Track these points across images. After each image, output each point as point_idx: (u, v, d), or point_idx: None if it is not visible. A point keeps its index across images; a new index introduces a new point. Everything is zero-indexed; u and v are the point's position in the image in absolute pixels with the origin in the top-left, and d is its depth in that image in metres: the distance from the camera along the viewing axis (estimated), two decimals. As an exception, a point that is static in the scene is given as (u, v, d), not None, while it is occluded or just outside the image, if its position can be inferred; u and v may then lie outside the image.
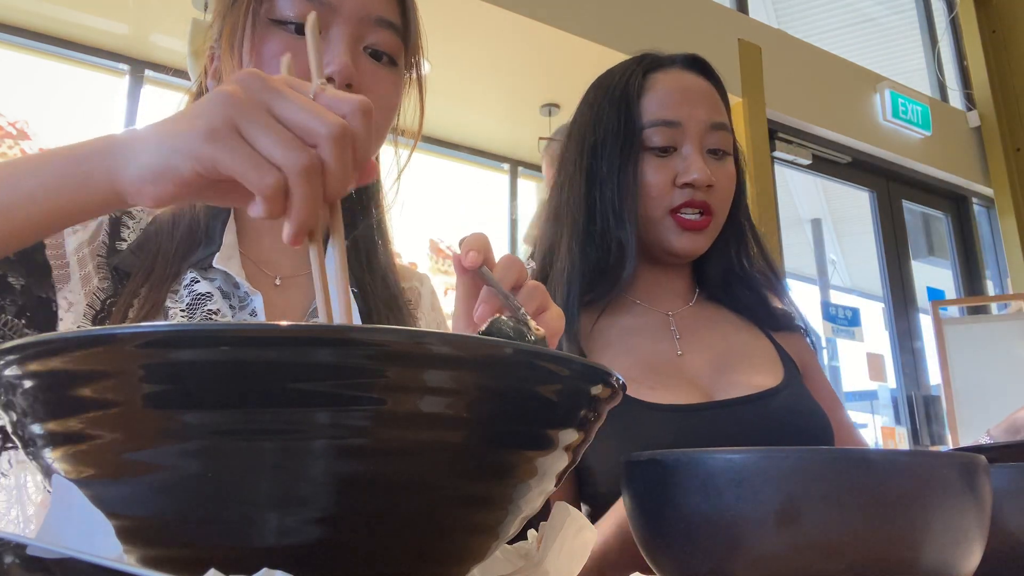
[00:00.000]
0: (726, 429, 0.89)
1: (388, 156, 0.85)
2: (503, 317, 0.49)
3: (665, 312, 1.02)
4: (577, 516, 0.41)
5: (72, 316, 0.68)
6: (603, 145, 0.98)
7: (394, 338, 0.28)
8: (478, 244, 0.54)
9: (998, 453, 0.62)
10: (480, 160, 4.18)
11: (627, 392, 0.90)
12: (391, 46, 0.76)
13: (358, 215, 0.85)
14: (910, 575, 0.33)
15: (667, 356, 0.98)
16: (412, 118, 0.85)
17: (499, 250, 0.71)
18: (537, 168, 4.18)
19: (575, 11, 3.35)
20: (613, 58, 1.07)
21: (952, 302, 4.47)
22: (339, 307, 0.46)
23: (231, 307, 0.72)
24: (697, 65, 1.03)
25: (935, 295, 4.71)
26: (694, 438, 0.86)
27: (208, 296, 0.71)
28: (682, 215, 0.96)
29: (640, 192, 0.97)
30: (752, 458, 0.34)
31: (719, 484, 0.34)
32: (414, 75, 0.82)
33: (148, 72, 3.25)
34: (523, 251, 3.94)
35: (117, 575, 0.25)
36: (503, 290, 0.52)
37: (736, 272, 1.07)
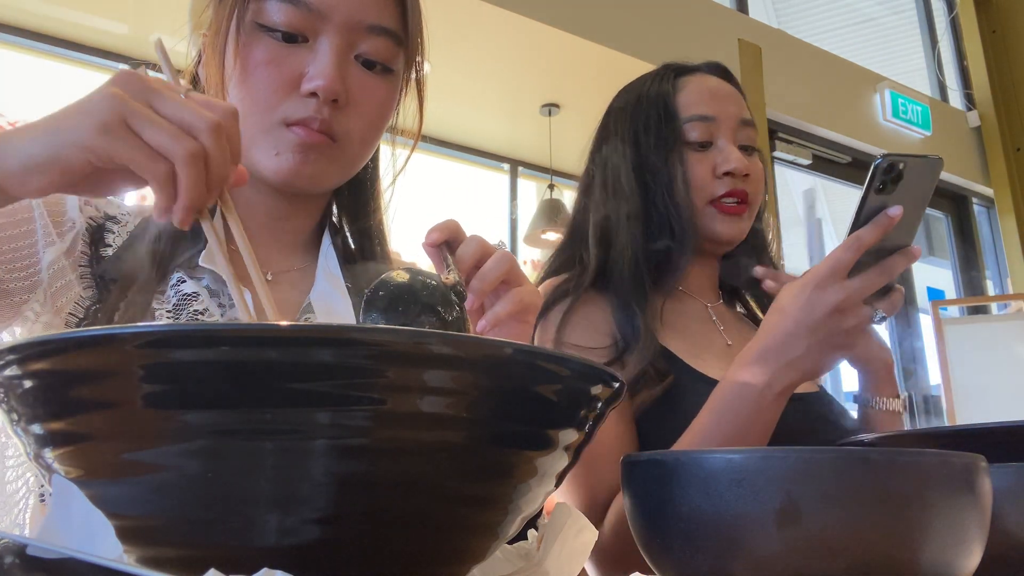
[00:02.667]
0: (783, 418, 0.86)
1: (385, 157, 0.84)
2: (401, 271, 0.53)
3: (704, 303, 1.07)
4: (578, 517, 0.40)
5: (40, 327, 0.68)
6: (647, 141, 1.02)
7: (394, 338, 0.28)
8: (442, 225, 0.59)
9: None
10: (480, 160, 4.18)
11: (686, 361, 0.94)
12: (385, 54, 0.72)
13: (356, 214, 0.84)
14: (910, 575, 0.33)
15: (718, 344, 1.02)
16: (413, 120, 0.82)
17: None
18: (537, 168, 4.18)
19: (575, 11, 3.35)
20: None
21: (952, 302, 4.47)
22: (251, 269, 0.52)
23: (220, 305, 0.71)
24: (720, 71, 1.09)
25: (935, 295, 4.70)
26: None
27: (195, 296, 0.70)
28: (722, 202, 1.01)
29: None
30: (752, 458, 0.34)
31: (719, 484, 0.34)
32: (413, 76, 0.78)
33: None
34: (523, 253, 3.94)
35: (117, 575, 0.25)
36: (450, 262, 0.57)
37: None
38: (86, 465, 0.30)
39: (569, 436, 0.34)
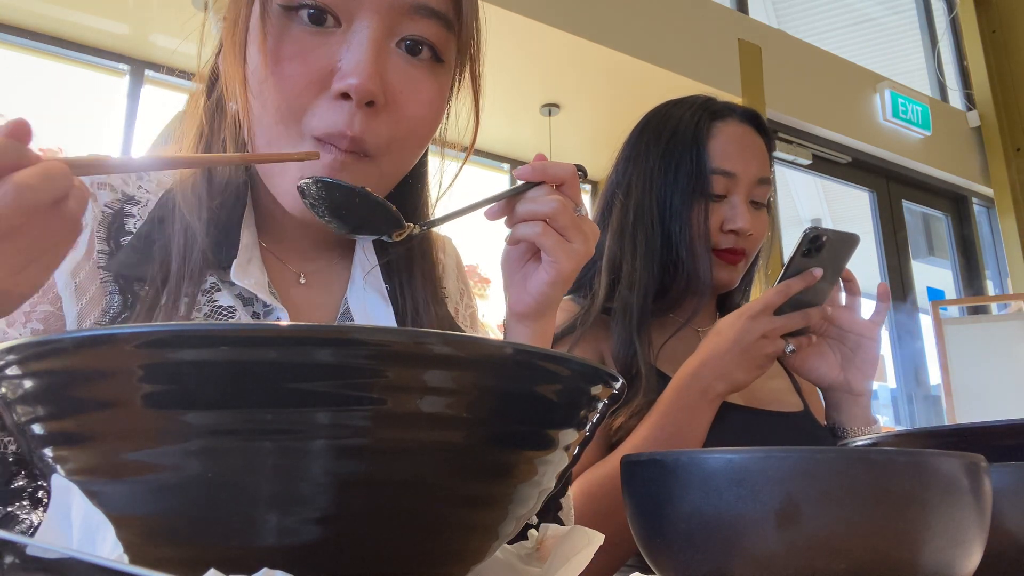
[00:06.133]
0: (762, 432, 1.00)
1: (433, 164, 0.76)
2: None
3: (695, 328, 1.12)
4: (597, 542, 0.39)
5: None
6: (675, 181, 1.05)
7: (394, 338, 0.28)
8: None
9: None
10: (480, 160, 4.17)
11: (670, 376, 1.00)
12: (434, 37, 0.62)
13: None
14: (910, 575, 0.33)
15: None
16: (465, 127, 0.71)
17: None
18: (537, 168, 4.18)
19: (575, 11, 3.34)
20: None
21: (952, 302, 4.47)
22: None
23: (254, 314, 0.64)
24: (754, 120, 1.11)
25: (935, 295, 4.71)
26: (731, 436, 0.96)
27: (231, 310, 0.63)
28: (722, 253, 1.06)
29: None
30: (752, 458, 0.34)
31: (719, 484, 0.34)
32: (467, 70, 0.68)
33: (148, 72, 3.26)
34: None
35: (117, 575, 0.25)
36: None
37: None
38: (86, 465, 0.30)
39: (569, 436, 0.34)
